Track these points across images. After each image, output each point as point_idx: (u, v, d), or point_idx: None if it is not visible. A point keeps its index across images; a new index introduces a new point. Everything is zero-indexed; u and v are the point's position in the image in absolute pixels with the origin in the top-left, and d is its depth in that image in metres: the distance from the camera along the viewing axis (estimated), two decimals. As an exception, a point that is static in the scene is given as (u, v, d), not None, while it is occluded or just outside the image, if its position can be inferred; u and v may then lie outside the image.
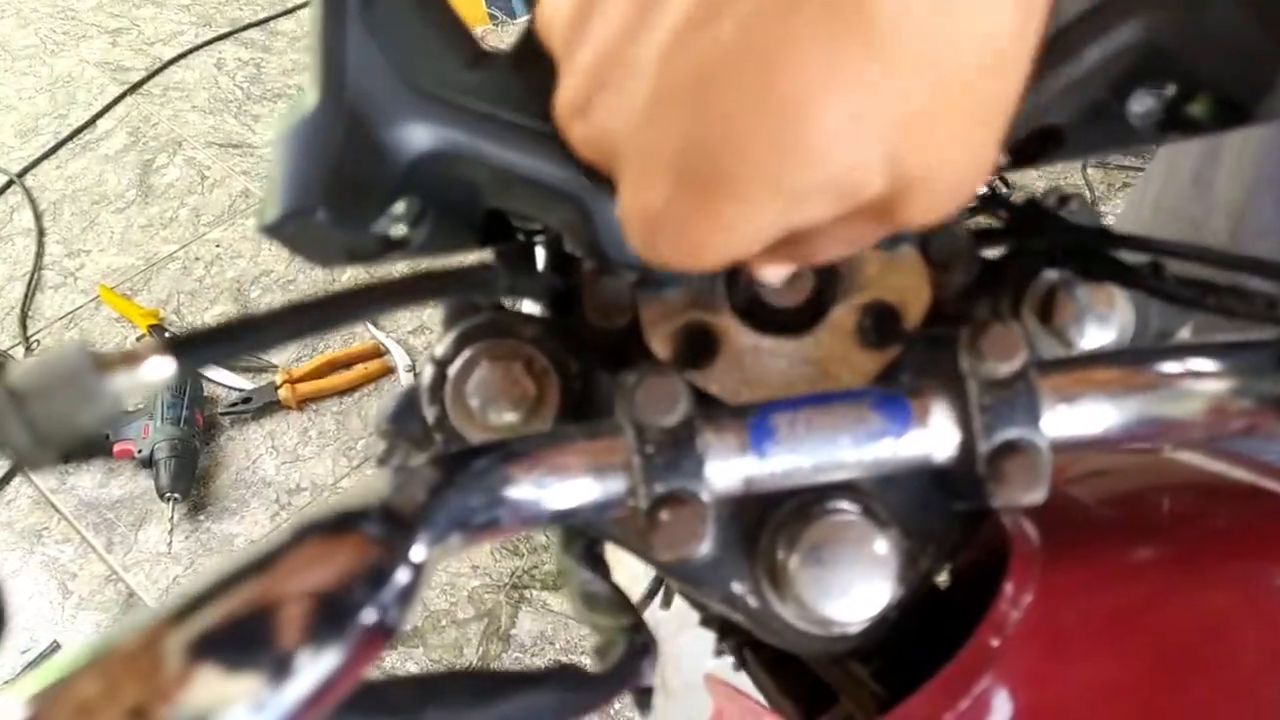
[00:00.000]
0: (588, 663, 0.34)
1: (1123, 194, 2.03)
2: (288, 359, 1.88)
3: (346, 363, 1.86)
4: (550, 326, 0.39)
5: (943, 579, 0.46)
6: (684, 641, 0.91)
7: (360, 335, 1.91)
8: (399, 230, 0.35)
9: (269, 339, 0.25)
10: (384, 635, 0.24)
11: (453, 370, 0.38)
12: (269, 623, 0.22)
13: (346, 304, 0.27)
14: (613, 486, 0.32)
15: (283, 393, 1.80)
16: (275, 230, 0.31)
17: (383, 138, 0.32)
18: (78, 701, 0.20)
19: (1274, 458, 0.49)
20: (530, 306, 0.42)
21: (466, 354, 0.38)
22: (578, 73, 0.28)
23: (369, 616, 0.23)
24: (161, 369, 0.22)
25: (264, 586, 0.22)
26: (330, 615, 0.22)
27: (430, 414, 0.38)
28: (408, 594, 0.24)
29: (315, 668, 0.22)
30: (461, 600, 1.61)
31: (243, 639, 0.21)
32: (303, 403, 1.82)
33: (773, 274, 0.32)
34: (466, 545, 0.30)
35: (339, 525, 0.24)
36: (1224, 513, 0.40)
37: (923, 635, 0.40)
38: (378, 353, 1.88)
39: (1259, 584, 0.36)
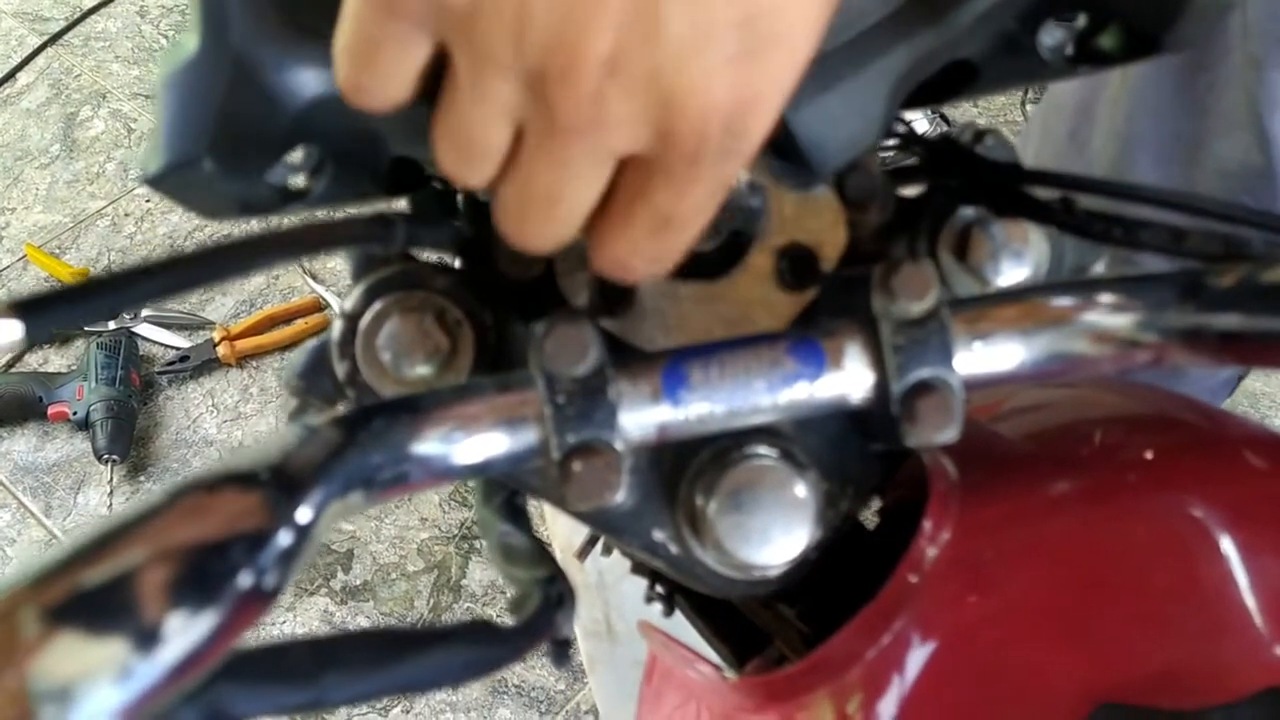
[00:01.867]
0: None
1: (1060, 130, 2.04)
2: (225, 315, 1.85)
3: (286, 318, 1.83)
4: (463, 277, 0.38)
5: (873, 518, 0.46)
6: (627, 587, 0.92)
7: (300, 289, 1.88)
8: (297, 180, 0.34)
9: (135, 296, 0.24)
10: (262, 599, 0.23)
11: (363, 324, 0.37)
12: (135, 586, 0.21)
13: (224, 258, 0.26)
14: (525, 438, 0.32)
15: (221, 350, 1.76)
16: (158, 182, 0.29)
17: (271, 83, 0.30)
18: None
19: (1186, 387, 0.50)
20: (444, 256, 0.41)
21: (377, 307, 0.37)
22: None
23: (245, 580, 0.22)
24: (7, 332, 0.21)
25: (132, 547, 0.22)
26: (202, 578, 0.22)
27: (341, 369, 0.37)
28: (289, 556, 0.24)
29: (186, 633, 0.21)
30: (411, 553, 1.60)
31: (106, 603, 0.21)
32: (242, 359, 1.78)
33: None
34: (373, 502, 0.29)
35: (219, 484, 0.24)
36: (1139, 445, 0.40)
37: (853, 575, 0.41)
38: (318, 306, 1.85)
39: (1169, 512, 0.36)
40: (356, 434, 0.29)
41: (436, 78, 0.27)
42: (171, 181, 0.29)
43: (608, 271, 0.30)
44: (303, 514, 0.25)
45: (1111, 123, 0.83)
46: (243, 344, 1.78)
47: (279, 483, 0.25)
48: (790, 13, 0.25)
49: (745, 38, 0.24)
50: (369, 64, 0.27)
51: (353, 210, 0.35)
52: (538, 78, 0.25)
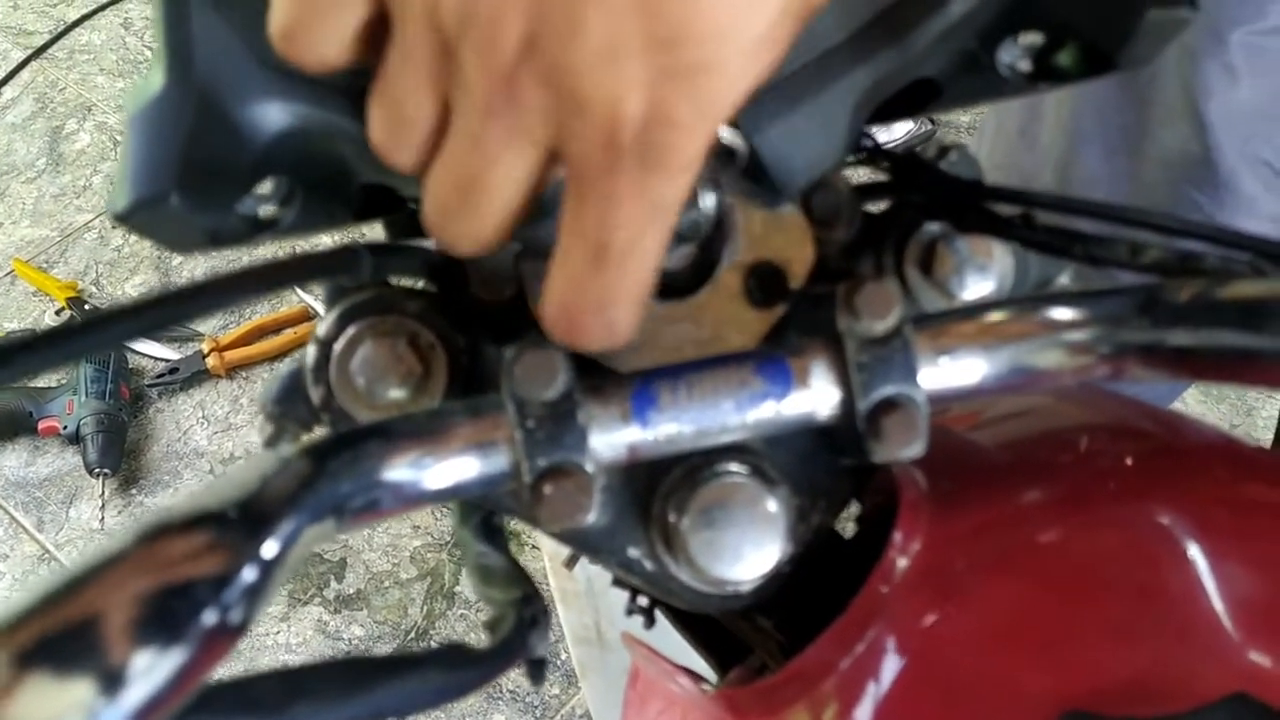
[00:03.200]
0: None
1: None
2: (214, 326, 1.85)
3: (275, 328, 1.83)
4: (435, 301, 0.39)
5: (850, 529, 0.47)
6: (617, 594, 0.92)
7: (288, 299, 1.88)
8: (267, 210, 0.35)
9: (97, 343, 0.25)
10: (228, 635, 0.23)
11: (336, 349, 0.37)
12: (99, 629, 0.21)
13: (191, 298, 0.26)
14: (496, 462, 0.32)
15: (210, 361, 1.77)
16: (127, 218, 0.30)
17: (237, 117, 0.31)
18: None
19: (1138, 390, 0.51)
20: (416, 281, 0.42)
21: (350, 332, 0.37)
22: None
23: (209, 618, 0.23)
24: None
25: (98, 590, 0.22)
26: (166, 618, 0.22)
27: (315, 395, 0.37)
28: (254, 592, 0.24)
29: (151, 674, 0.21)
30: (404, 561, 1.61)
31: (72, 646, 0.21)
32: (231, 370, 1.79)
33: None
34: (346, 530, 0.30)
35: (185, 524, 0.24)
36: (1107, 454, 0.41)
37: (831, 584, 0.41)
38: (306, 316, 1.86)
39: (1136, 521, 0.37)
40: (326, 463, 0.29)
41: (372, 49, 0.27)
42: (139, 218, 0.30)
43: (559, 330, 0.29)
44: (268, 549, 0.25)
45: (1058, 119, 0.85)
46: (232, 355, 1.78)
47: (245, 519, 0.25)
48: (722, 45, 0.24)
49: (665, 60, 0.24)
50: (308, 10, 0.27)
51: (321, 240, 0.35)
52: (458, 45, 0.25)
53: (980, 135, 0.99)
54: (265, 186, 0.34)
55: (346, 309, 0.37)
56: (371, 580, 1.59)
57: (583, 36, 0.24)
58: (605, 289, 0.28)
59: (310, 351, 0.38)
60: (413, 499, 0.31)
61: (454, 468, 0.32)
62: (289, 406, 0.38)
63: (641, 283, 0.29)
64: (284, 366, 0.38)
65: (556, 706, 1.48)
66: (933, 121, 1.97)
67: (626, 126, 0.25)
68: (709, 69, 0.25)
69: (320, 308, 1.85)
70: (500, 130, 0.26)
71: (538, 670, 0.35)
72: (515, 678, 1.50)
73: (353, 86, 0.31)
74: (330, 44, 0.27)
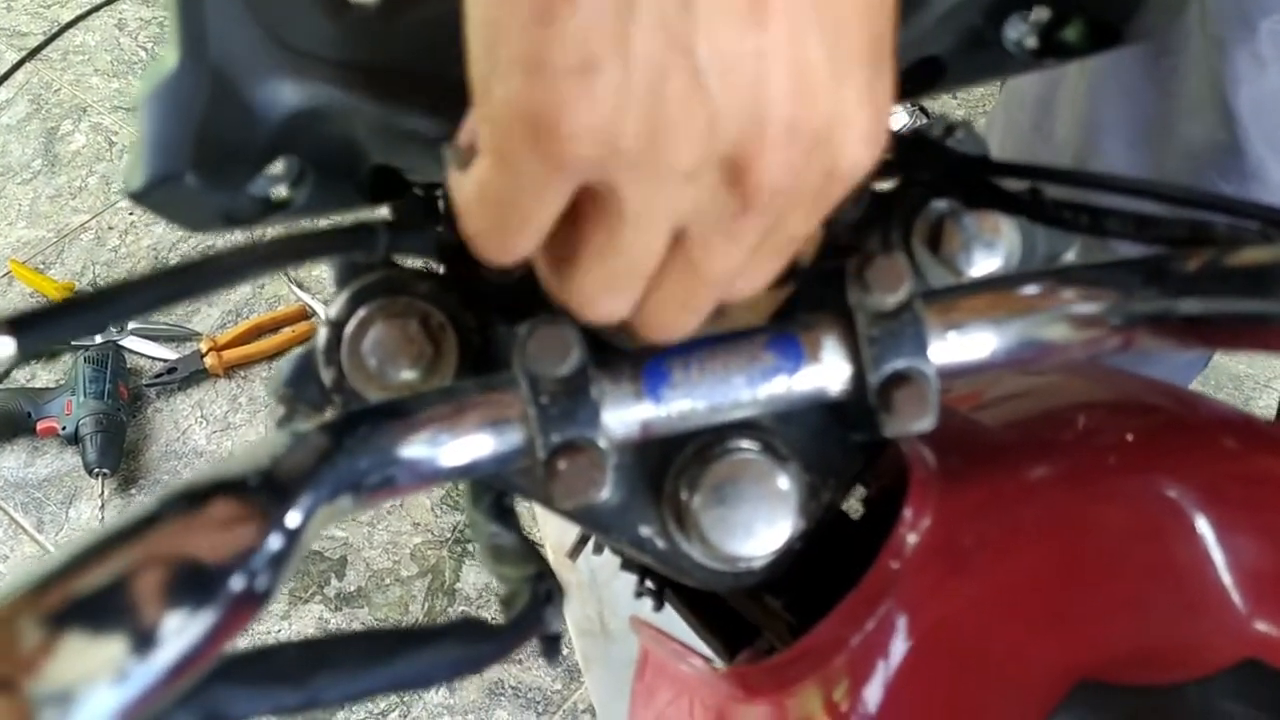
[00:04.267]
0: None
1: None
2: (211, 325, 1.84)
3: (273, 326, 1.83)
4: (445, 281, 0.39)
5: (858, 508, 0.47)
6: (619, 586, 0.93)
7: (286, 298, 1.88)
8: (279, 191, 0.35)
9: (123, 310, 0.25)
10: (254, 602, 0.23)
11: (348, 331, 0.37)
12: (131, 590, 0.21)
13: (208, 270, 0.26)
14: (510, 439, 0.32)
15: (208, 360, 1.76)
16: (142, 197, 0.30)
17: (250, 97, 0.31)
18: None
19: (1153, 369, 0.51)
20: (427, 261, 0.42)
21: (361, 313, 0.37)
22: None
23: (237, 583, 0.23)
24: (1, 348, 0.22)
25: (128, 553, 0.22)
26: (195, 582, 0.22)
27: (327, 376, 0.37)
28: (280, 560, 0.24)
29: (181, 636, 0.22)
30: (404, 558, 1.61)
31: (103, 608, 0.21)
32: (230, 369, 1.78)
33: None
34: (363, 506, 0.30)
35: (210, 491, 0.24)
36: (1114, 429, 0.41)
37: (838, 564, 0.41)
38: (304, 315, 1.85)
39: (1144, 494, 0.37)
40: (344, 439, 0.29)
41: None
42: (155, 196, 0.30)
43: (660, 334, 0.31)
44: (292, 518, 0.25)
45: (1075, 112, 0.85)
46: (230, 354, 1.78)
47: (269, 488, 0.25)
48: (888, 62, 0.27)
49: (870, 82, 0.27)
50: (507, 217, 0.26)
51: (334, 219, 0.35)
52: (730, 166, 0.25)
53: (989, 130, 0.99)
54: (277, 167, 0.34)
55: (357, 290, 0.38)
56: (372, 577, 1.59)
57: (819, 91, 0.25)
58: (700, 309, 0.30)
59: (321, 333, 0.38)
60: (428, 476, 0.32)
61: (468, 445, 0.32)
62: (301, 388, 0.38)
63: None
64: (296, 349, 0.38)
65: (559, 701, 1.48)
66: (926, 113, 1.98)
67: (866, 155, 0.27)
68: (886, 79, 0.28)
69: (318, 307, 1.85)
70: (765, 220, 0.27)
71: (552, 646, 0.36)
72: (517, 674, 1.50)
73: (368, 66, 0.32)
74: (535, 240, 0.27)
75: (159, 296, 0.26)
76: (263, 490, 0.25)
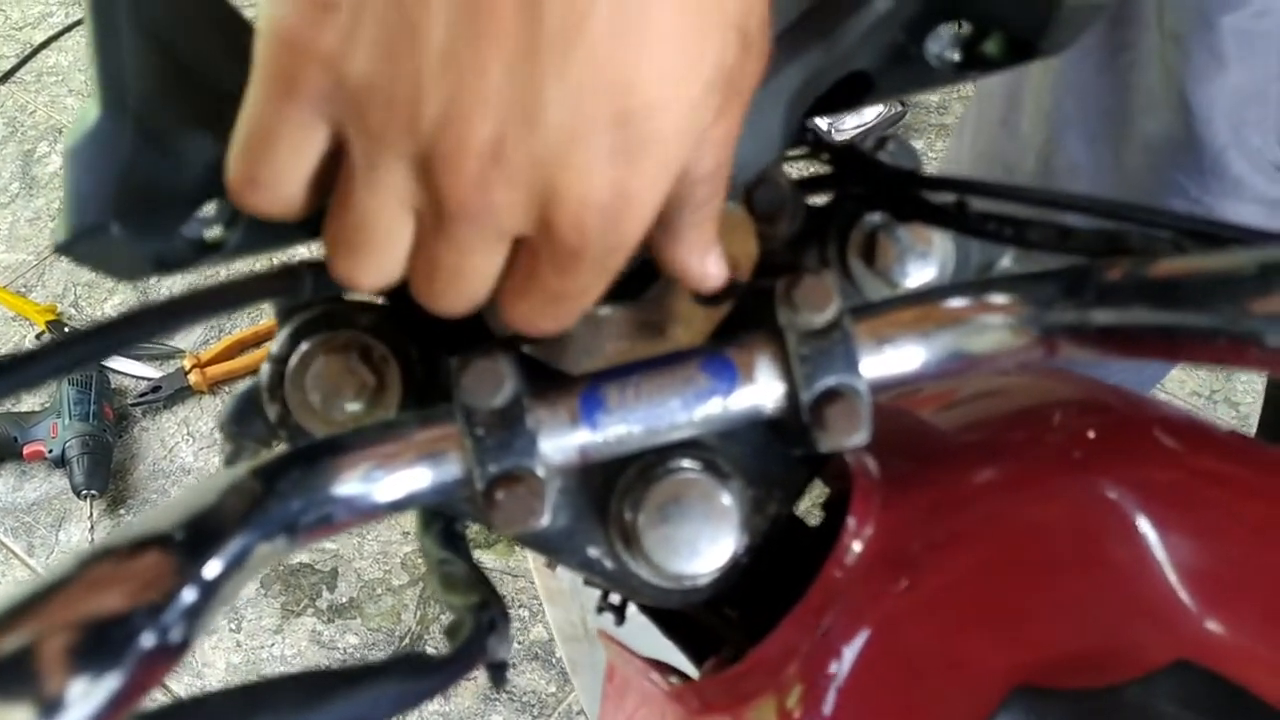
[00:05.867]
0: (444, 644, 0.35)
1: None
2: (194, 342, 1.85)
3: (255, 341, 1.83)
4: (387, 313, 0.39)
5: (815, 517, 0.47)
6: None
7: (267, 313, 1.88)
8: (213, 233, 0.35)
9: (42, 374, 0.25)
10: (168, 656, 0.24)
11: (290, 366, 0.38)
12: (36, 656, 0.22)
13: (138, 323, 0.27)
14: (448, 471, 0.33)
15: (193, 378, 1.76)
16: (68, 250, 0.30)
17: (175, 143, 0.31)
18: None
19: (1116, 377, 0.51)
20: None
21: (303, 348, 0.38)
22: None
23: (148, 640, 0.23)
24: None
25: (36, 617, 0.23)
26: (102, 643, 0.23)
27: (272, 412, 0.38)
28: (196, 611, 0.25)
29: (90, 698, 0.22)
30: (395, 567, 1.61)
31: (10, 674, 0.21)
32: (214, 386, 1.79)
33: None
34: (299, 546, 0.30)
35: (127, 549, 0.25)
36: (1057, 431, 0.42)
37: (796, 572, 0.42)
38: (287, 328, 1.86)
39: (1084, 495, 0.38)
40: (276, 482, 0.30)
41: (329, 180, 0.28)
42: (80, 248, 0.30)
43: (517, 329, 0.31)
44: (211, 569, 0.25)
45: (1039, 107, 0.85)
46: (214, 370, 1.78)
47: (190, 540, 0.26)
48: (663, 116, 0.26)
49: (621, 136, 0.26)
50: (265, 155, 0.27)
51: (267, 259, 0.36)
52: (427, 161, 0.26)
53: (962, 125, 0.99)
54: (209, 209, 0.34)
55: (298, 326, 0.38)
56: (364, 588, 1.60)
57: (546, 126, 0.25)
58: (558, 316, 0.31)
59: (265, 369, 0.38)
60: (366, 511, 0.32)
61: (406, 478, 0.32)
62: (247, 425, 0.39)
63: (586, 305, 0.31)
64: (241, 386, 0.39)
65: (553, 704, 1.48)
66: (903, 103, 1.98)
67: (593, 212, 0.27)
68: (658, 142, 0.26)
69: (301, 319, 1.85)
70: (472, 229, 0.27)
71: (499, 674, 0.36)
72: (511, 678, 1.51)
73: None
74: (291, 186, 0.28)
75: (81, 358, 0.26)
76: (183, 543, 0.25)
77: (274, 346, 0.38)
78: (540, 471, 0.33)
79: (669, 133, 0.26)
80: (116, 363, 1.81)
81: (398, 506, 0.32)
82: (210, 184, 0.33)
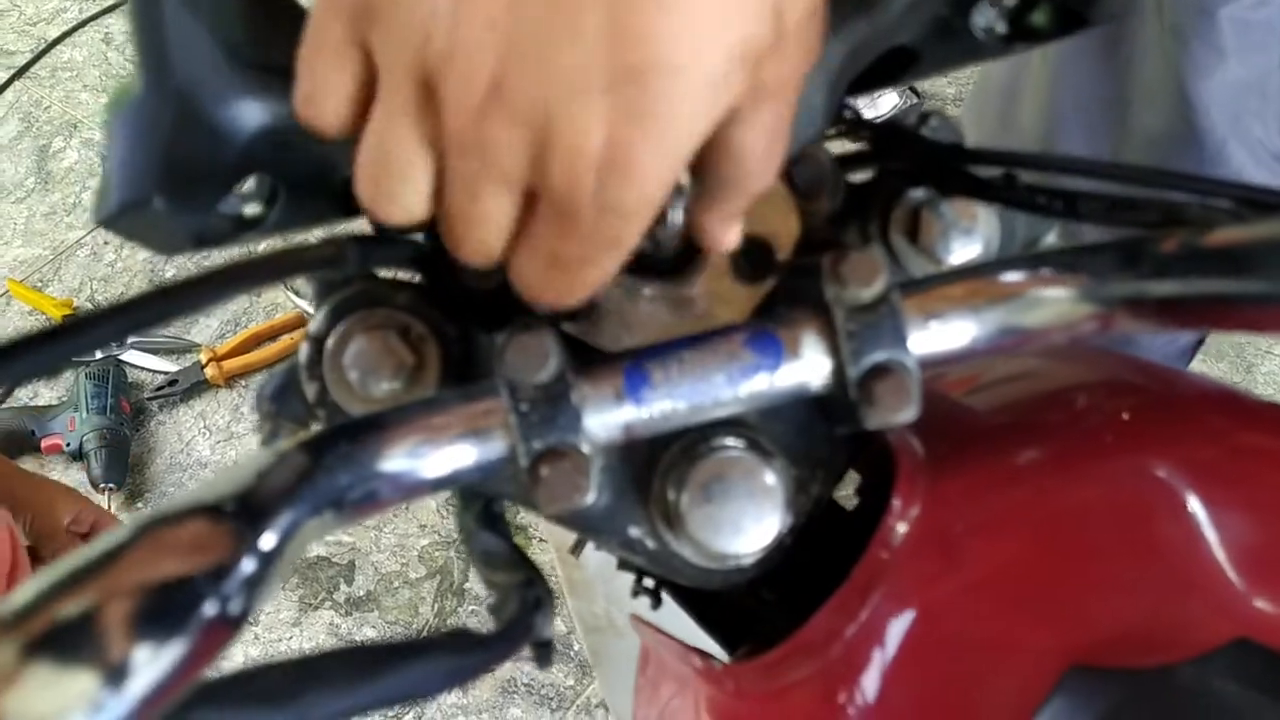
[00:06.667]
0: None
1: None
2: (210, 336, 1.85)
3: (271, 335, 1.83)
4: (425, 291, 0.39)
5: (852, 499, 0.47)
6: (625, 580, 0.93)
7: (283, 305, 1.88)
8: (251, 209, 0.35)
9: (92, 341, 0.25)
10: (228, 625, 0.24)
11: (328, 345, 0.37)
12: (102, 621, 0.22)
13: (178, 298, 0.26)
14: (492, 448, 0.32)
15: (209, 371, 1.77)
16: (111, 224, 0.30)
17: (216, 117, 0.31)
18: None
19: (1146, 355, 0.51)
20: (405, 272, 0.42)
21: (341, 327, 0.37)
22: None
23: (209, 609, 0.23)
24: None
25: (99, 583, 0.22)
26: (166, 610, 0.22)
27: (310, 391, 0.37)
28: (254, 583, 0.24)
29: (154, 664, 0.22)
30: (412, 560, 1.61)
31: (76, 639, 0.21)
32: (230, 379, 1.79)
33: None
34: (345, 522, 0.30)
35: (184, 516, 0.24)
36: (1101, 410, 0.41)
37: (833, 555, 0.41)
38: (302, 321, 1.85)
39: (1132, 475, 0.37)
40: (324, 456, 0.29)
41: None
42: (124, 222, 0.30)
43: (526, 297, 0.31)
44: (266, 540, 0.25)
45: (1037, 101, 0.85)
46: (230, 364, 1.78)
47: (245, 511, 0.25)
48: (674, 80, 0.25)
49: (627, 93, 0.25)
50: (314, 77, 0.28)
51: (306, 236, 0.35)
52: (433, 88, 0.26)
53: (963, 119, 0.99)
54: (248, 185, 0.34)
55: (336, 305, 0.38)
56: (381, 581, 1.60)
57: (549, 72, 0.24)
58: (562, 286, 0.30)
59: (303, 348, 0.38)
60: (410, 488, 0.32)
61: (450, 455, 0.32)
62: (284, 404, 0.38)
63: (592, 281, 0.30)
64: (279, 364, 0.39)
65: (571, 697, 1.48)
66: (917, 94, 1.97)
67: (586, 164, 0.26)
68: (667, 108, 0.25)
69: (316, 313, 1.85)
70: (477, 169, 0.27)
71: (544, 653, 0.36)
72: (530, 671, 1.50)
73: None
74: (338, 106, 0.28)
75: (127, 327, 0.26)
76: (238, 513, 0.25)
77: (312, 325, 0.38)
78: (585, 448, 0.32)
79: (678, 99, 0.25)
80: (133, 356, 1.81)
81: (442, 484, 0.32)
82: (249, 159, 0.33)
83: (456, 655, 0.30)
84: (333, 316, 0.37)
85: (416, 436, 0.31)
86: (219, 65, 0.30)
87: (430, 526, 1.64)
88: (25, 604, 0.22)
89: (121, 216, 0.29)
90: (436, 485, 0.32)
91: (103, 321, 0.25)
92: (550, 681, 1.49)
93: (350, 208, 0.39)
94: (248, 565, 0.24)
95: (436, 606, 1.57)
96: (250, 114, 0.31)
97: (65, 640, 0.21)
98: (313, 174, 0.35)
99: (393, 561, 1.61)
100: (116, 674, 0.21)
